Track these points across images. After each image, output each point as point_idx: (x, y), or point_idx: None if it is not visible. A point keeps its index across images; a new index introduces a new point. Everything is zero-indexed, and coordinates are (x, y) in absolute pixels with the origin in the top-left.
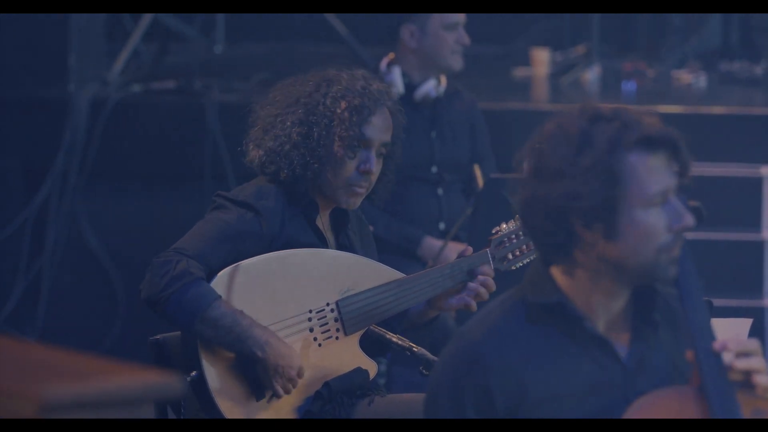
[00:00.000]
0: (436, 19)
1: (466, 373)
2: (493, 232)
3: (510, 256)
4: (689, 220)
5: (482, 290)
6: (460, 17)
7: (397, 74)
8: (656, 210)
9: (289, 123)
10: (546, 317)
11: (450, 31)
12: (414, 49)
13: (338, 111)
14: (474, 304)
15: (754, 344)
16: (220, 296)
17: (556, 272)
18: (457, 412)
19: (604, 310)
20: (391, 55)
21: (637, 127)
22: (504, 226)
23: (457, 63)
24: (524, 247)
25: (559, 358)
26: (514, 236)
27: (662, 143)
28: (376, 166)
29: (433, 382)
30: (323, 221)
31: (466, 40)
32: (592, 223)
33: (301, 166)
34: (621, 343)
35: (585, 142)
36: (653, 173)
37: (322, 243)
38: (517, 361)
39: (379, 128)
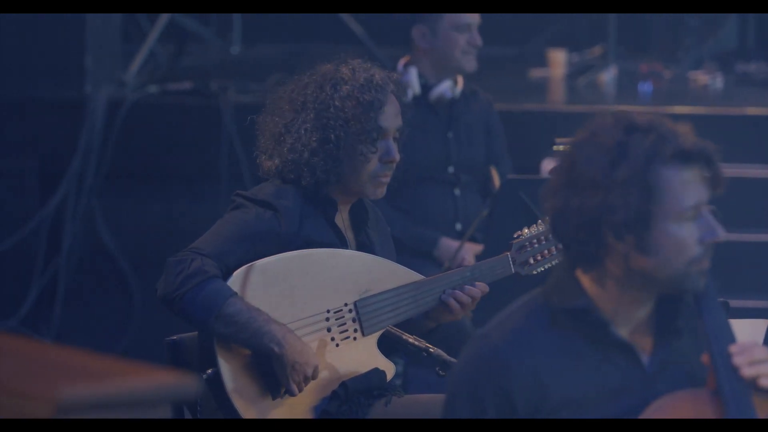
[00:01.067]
0: (447, 20)
1: (487, 375)
2: (515, 236)
3: (531, 261)
4: (721, 233)
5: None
6: (473, 18)
7: (413, 75)
8: (689, 224)
9: (303, 130)
10: (570, 322)
11: (461, 32)
12: (426, 50)
13: (351, 110)
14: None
15: (764, 352)
16: (236, 293)
17: (582, 277)
18: (477, 415)
19: (630, 316)
20: (408, 57)
21: (672, 140)
22: (526, 230)
23: (469, 64)
24: (546, 251)
25: (581, 362)
26: (536, 240)
27: (697, 156)
28: (396, 153)
29: (452, 384)
30: (343, 219)
31: (479, 41)
32: (624, 234)
33: (323, 171)
34: (644, 348)
35: (621, 154)
36: (687, 187)
37: (342, 242)
38: (538, 365)
39: (392, 116)
